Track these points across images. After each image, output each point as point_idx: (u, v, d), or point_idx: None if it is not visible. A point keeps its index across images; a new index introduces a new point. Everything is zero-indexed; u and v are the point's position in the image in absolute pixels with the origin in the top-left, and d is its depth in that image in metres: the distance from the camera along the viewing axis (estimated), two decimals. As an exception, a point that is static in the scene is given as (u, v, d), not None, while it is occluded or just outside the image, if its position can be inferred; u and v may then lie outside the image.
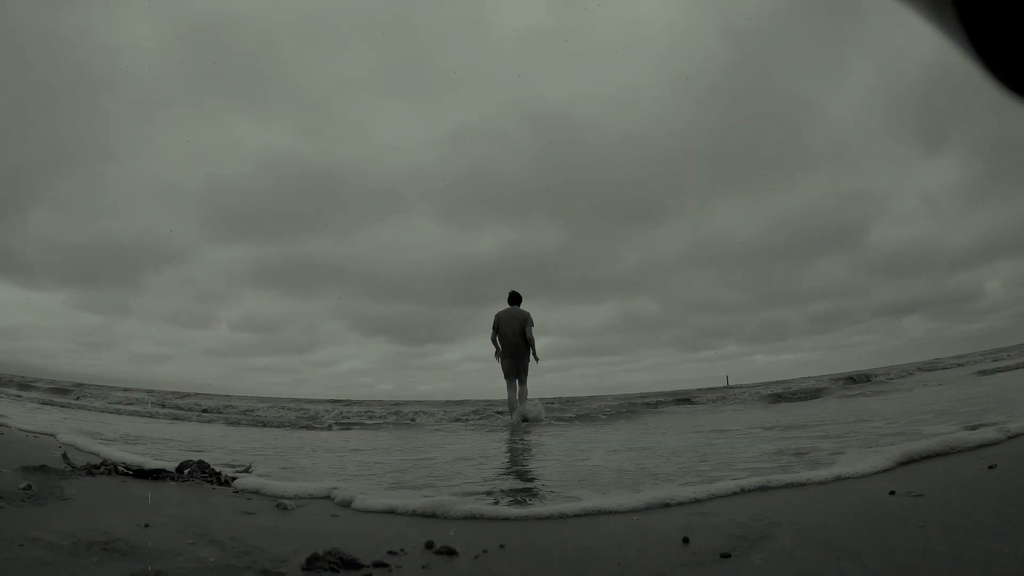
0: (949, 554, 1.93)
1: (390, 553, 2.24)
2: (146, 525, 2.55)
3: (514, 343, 9.77)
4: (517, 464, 5.24)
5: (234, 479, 4.02)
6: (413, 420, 11.89)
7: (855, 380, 16.13)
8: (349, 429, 10.50)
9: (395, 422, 11.15)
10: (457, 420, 11.58)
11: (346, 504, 3.35)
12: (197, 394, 20.01)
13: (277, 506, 3.26)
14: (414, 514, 3.01)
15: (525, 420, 9.36)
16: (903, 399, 9.78)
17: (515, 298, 10.04)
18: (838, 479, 3.27)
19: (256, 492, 3.69)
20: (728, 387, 22.92)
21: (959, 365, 18.07)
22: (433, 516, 2.94)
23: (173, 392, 20.70)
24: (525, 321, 9.73)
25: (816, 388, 14.63)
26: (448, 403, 17.22)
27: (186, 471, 4.12)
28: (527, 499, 3.39)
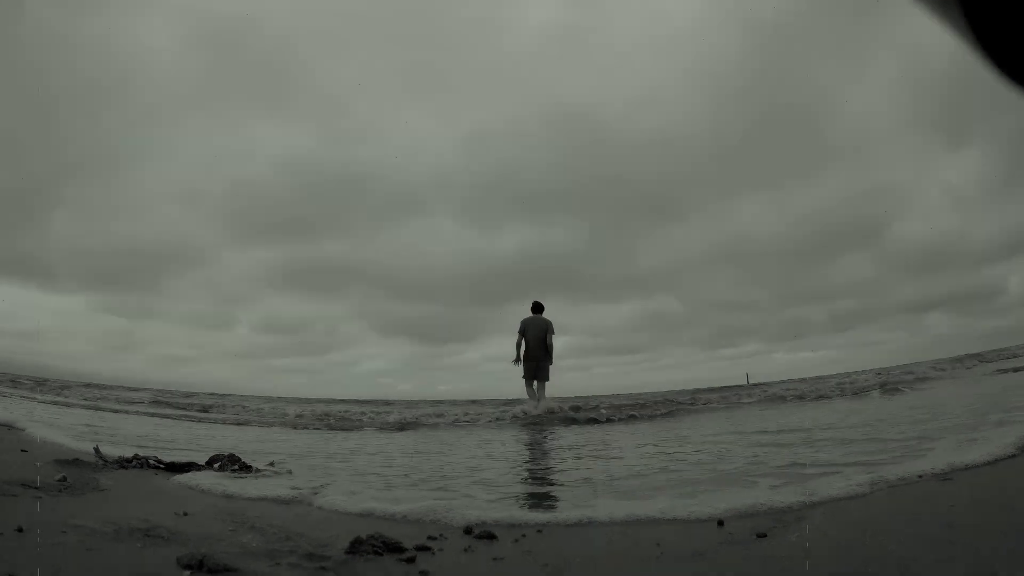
0: None
1: (430, 538, 2.23)
2: (185, 513, 2.56)
3: (536, 348, 10.71)
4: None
5: (261, 471, 4.02)
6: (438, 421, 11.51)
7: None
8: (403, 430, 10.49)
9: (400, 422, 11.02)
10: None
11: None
12: (201, 393, 20.14)
13: (314, 492, 3.26)
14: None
15: (539, 417, 9.62)
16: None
17: (538, 307, 10.98)
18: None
19: (290, 487, 3.69)
20: (749, 385, 22.66)
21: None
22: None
23: (189, 392, 20.82)
24: (547, 329, 10.73)
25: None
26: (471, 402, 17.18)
27: (216, 464, 4.13)
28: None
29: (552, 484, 3.82)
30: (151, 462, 4.06)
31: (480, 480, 3.86)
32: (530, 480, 4.03)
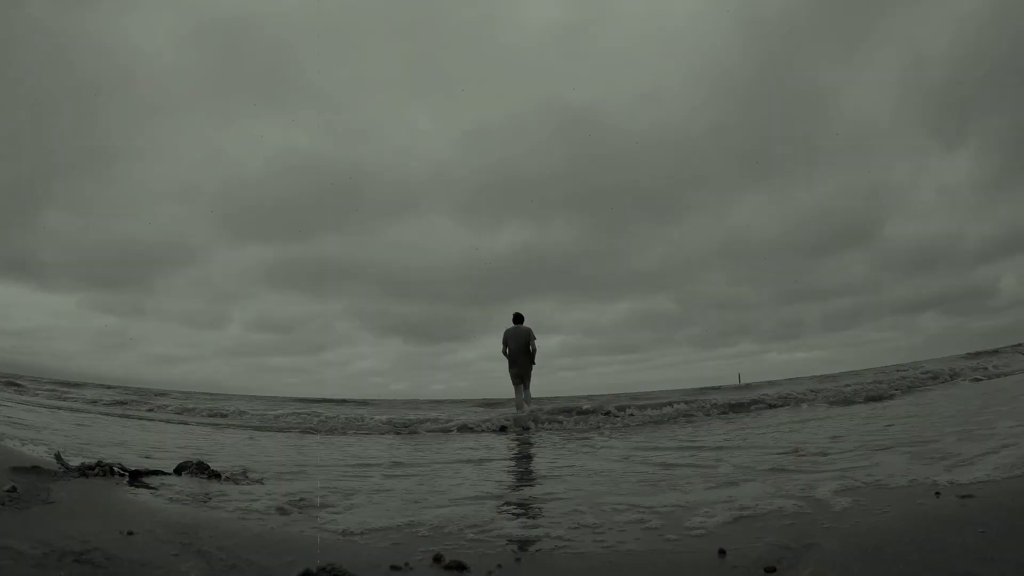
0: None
1: (394, 568, 2.02)
2: (130, 532, 2.34)
3: (520, 355, 11.90)
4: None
5: (233, 479, 3.81)
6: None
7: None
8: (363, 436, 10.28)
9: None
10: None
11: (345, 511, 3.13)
12: (197, 393, 19.87)
13: (277, 510, 3.04)
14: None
15: (528, 416, 10.33)
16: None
17: (519, 318, 12.14)
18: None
19: (256, 500, 3.47)
20: (740, 385, 22.48)
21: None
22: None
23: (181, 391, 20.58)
24: (528, 337, 11.91)
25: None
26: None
27: (184, 472, 3.92)
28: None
29: (533, 507, 3.60)
30: (115, 470, 3.84)
31: (455, 499, 3.65)
32: (509, 503, 3.77)
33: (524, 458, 5.93)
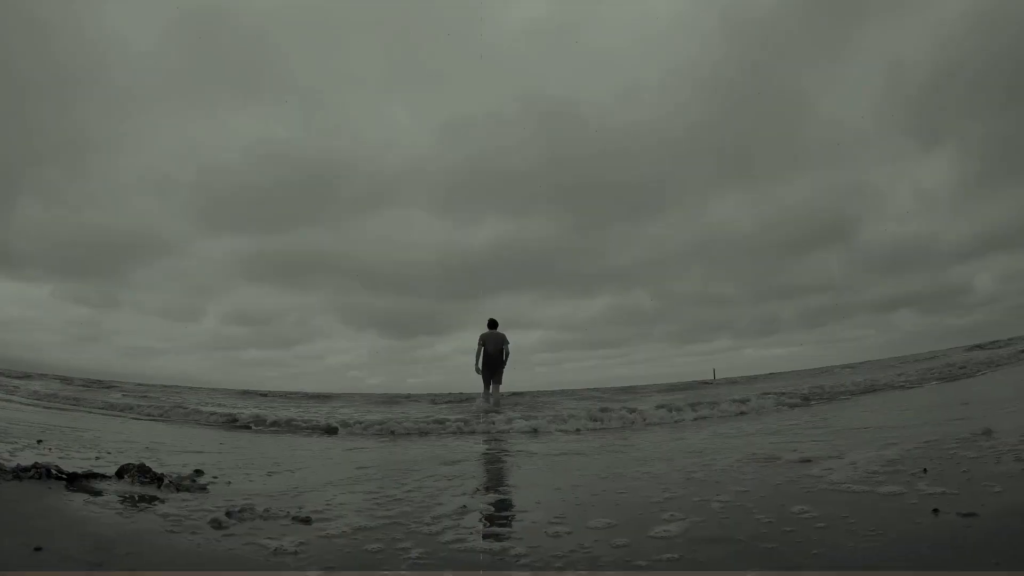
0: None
1: None
2: (38, 549, 2.18)
3: (494, 358, 13.07)
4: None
5: (178, 483, 3.64)
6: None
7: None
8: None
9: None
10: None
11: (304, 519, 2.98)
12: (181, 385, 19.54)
13: (211, 522, 2.88)
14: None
15: (496, 407, 11.90)
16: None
17: (494, 324, 13.23)
18: None
19: (192, 506, 3.30)
20: (715, 381, 22.53)
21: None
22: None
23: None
24: (503, 341, 13.07)
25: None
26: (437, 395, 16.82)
27: (126, 475, 3.74)
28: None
29: (511, 523, 3.47)
30: (53, 472, 3.67)
31: (421, 521, 3.51)
32: (486, 520, 3.58)
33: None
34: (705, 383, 21.08)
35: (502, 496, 3.85)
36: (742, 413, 8.94)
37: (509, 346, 13.18)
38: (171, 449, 6.00)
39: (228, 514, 3.05)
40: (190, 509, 3.16)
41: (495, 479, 4.72)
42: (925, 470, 3.56)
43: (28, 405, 11.26)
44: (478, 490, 4.05)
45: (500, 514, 3.34)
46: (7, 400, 11.91)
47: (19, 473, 3.57)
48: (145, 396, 15.23)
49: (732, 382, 18.25)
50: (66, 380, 20.14)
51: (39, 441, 5.39)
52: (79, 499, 3.17)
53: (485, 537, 2.85)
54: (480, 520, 3.18)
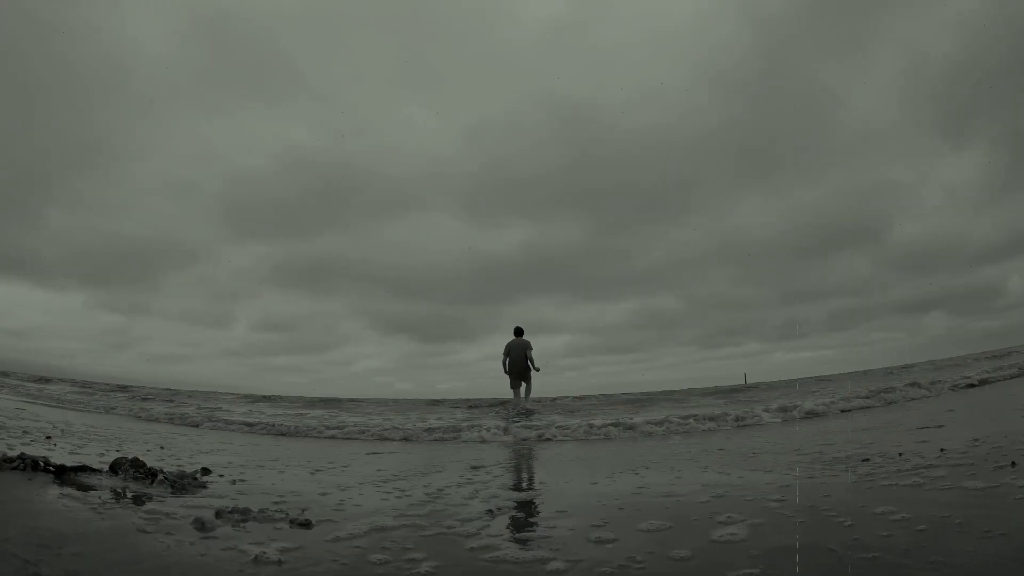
0: None
1: None
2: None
3: (519, 365, 13.60)
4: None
5: (176, 481, 3.25)
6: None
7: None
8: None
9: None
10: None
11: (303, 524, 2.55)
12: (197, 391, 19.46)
13: (194, 523, 2.46)
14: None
15: (527, 411, 12.27)
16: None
17: (519, 331, 13.89)
18: None
19: (180, 503, 2.90)
20: (746, 385, 21.73)
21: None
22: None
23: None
24: (527, 348, 13.63)
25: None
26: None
27: (119, 470, 3.37)
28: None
29: (546, 528, 2.98)
30: (40, 464, 3.31)
31: (442, 525, 3.04)
32: (515, 526, 3.06)
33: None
34: (737, 388, 20.20)
35: (534, 497, 3.36)
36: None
37: (533, 352, 13.82)
38: (189, 449, 5.67)
39: (217, 514, 2.63)
40: (178, 507, 2.76)
41: (529, 480, 4.21)
42: (1014, 463, 3.12)
43: (53, 407, 11.18)
44: (507, 488, 3.56)
45: (531, 518, 2.86)
46: (29, 401, 11.88)
47: (1, 463, 3.22)
48: (171, 401, 15.12)
49: (771, 387, 17.33)
50: (83, 384, 20.26)
51: (47, 437, 5.11)
52: (55, 492, 2.79)
53: (516, 542, 2.37)
54: (508, 526, 2.70)
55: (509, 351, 13.77)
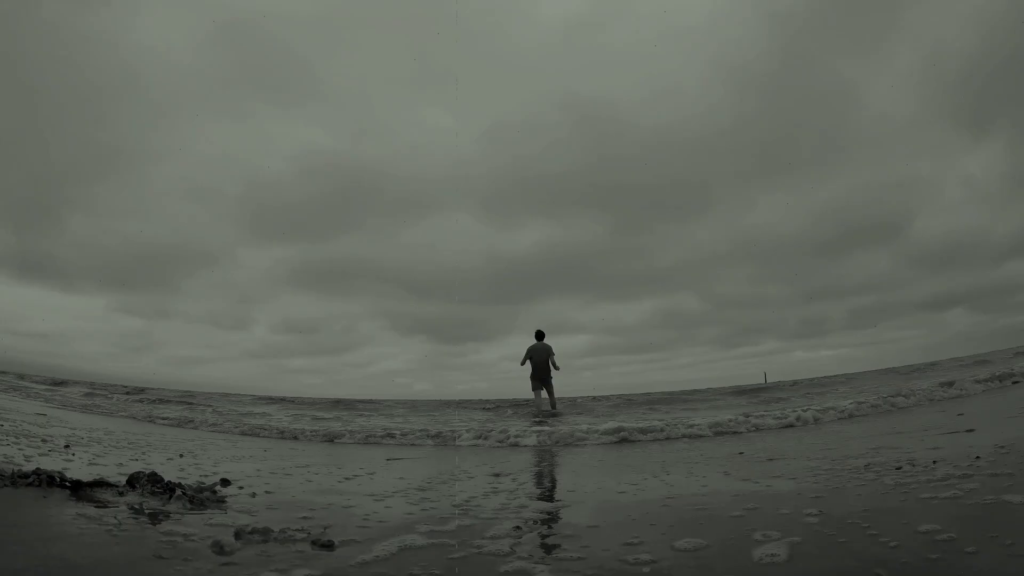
0: None
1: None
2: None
3: (542, 368, 13.46)
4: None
5: (187, 497, 3.17)
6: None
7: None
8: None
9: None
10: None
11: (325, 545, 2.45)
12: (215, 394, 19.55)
13: (213, 546, 2.38)
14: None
15: (552, 413, 12.72)
16: None
17: (541, 335, 13.77)
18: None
19: (204, 520, 2.81)
20: (767, 384, 21.52)
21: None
22: None
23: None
24: (549, 352, 13.50)
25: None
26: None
27: (137, 485, 3.30)
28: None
29: (577, 544, 2.86)
30: (56, 479, 3.25)
31: (470, 544, 2.94)
32: (546, 546, 2.90)
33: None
34: (759, 387, 19.94)
35: (562, 509, 3.23)
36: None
37: (555, 357, 13.75)
38: (210, 456, 5.62)
39: (237, 535, 2.53)
40: (196, 527, 2.65)
41: (555, 489, 4.08)
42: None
43: (73, 411, 11.26)
44: (534, 497, 3.44)
45: (562, 534, 2.74)
46: (51, 406, 11.96)
47: (16, 479, 3.16)
48: (190, 404, 15.16)
49: (807, 392, 17.03)
50: (102, 387, 20.43)
51: (66, 446, 5.07)
52: (70, 512, 2.71)
53: (548, 565, 2.26)
54: (540, 545, 2.58)
55: (531, 355, 13.64)
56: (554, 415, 12.51)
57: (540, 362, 13.59)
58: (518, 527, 2.86)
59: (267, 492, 3.76)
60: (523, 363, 13.50)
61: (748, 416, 8.14)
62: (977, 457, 3.74)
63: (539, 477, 4.97)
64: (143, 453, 5.37)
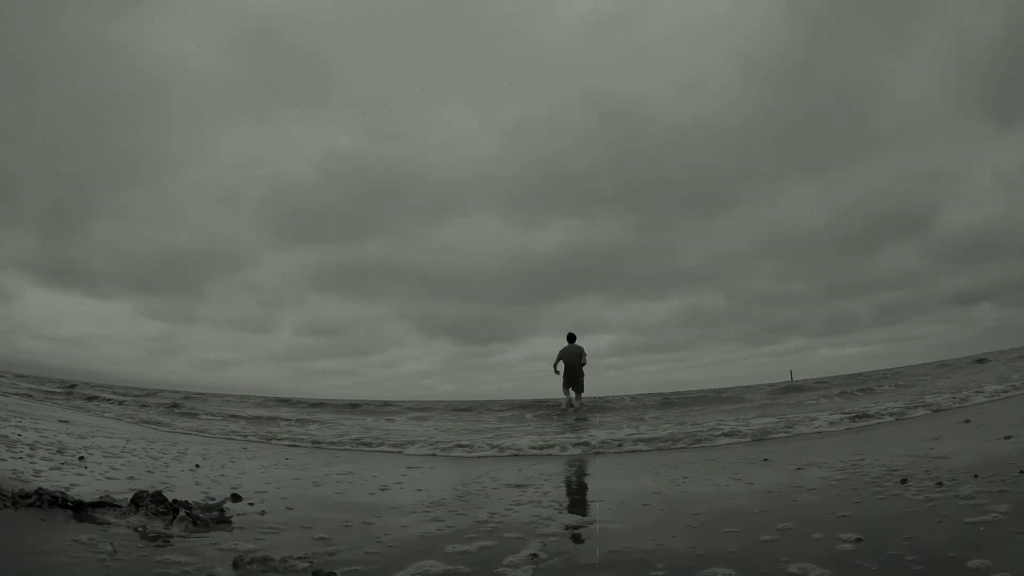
0: None
1: None
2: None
3: (573, 369, 14.02)
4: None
5: (191, 518, 3.05)
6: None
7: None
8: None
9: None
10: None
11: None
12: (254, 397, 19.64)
13: (235, 564, 2.25)
14: None
15: (576, 409, 13.62)
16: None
17: (572, 338, 14.25)
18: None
19: (204, 543, 2.69)
20: (793, 382, 21.04)
21: None
22: None
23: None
24: (580, 354, 14.03)
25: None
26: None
27: (140, 505, 3.19)
28: None
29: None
30: (59, 499, 3.16)
31: (490, 572, 2.78)
32: None
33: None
34: (788, 386, 19.49)
35: (584, 529, 3.05)
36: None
37: (586, 358, 14.16)
38: (225, 466, 5.54)
39: (235, 565, 2.39)
40: (196, 554, 2.52)
41: (579, 506, 3.89)
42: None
43: (97, 415, 11.33)
44: (557, 510, 3.26)
45: (583, 564, 2.57)
46: (75, 408, 12.06)
47: (17, 500, 3.07)
48: (211, 410, 15.20)
49: (823, 384, 16.59)
50: (125, 391, 20.65)
51: (80, 458, 5.02)
52: (68, 537, 2.59)
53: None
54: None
55: (563, 357, 14.10)
56: (580, 415, 13.10)
57: (572, 363, 14.08)
58: (534, 555, 2.69)
59: (282, 508, 3.63)
60: (556, 365, 13.97)
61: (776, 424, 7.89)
62: (1021, 471, 3.51)
63: (561, 490, 4.78)
64: (159, 464, 5.29)
